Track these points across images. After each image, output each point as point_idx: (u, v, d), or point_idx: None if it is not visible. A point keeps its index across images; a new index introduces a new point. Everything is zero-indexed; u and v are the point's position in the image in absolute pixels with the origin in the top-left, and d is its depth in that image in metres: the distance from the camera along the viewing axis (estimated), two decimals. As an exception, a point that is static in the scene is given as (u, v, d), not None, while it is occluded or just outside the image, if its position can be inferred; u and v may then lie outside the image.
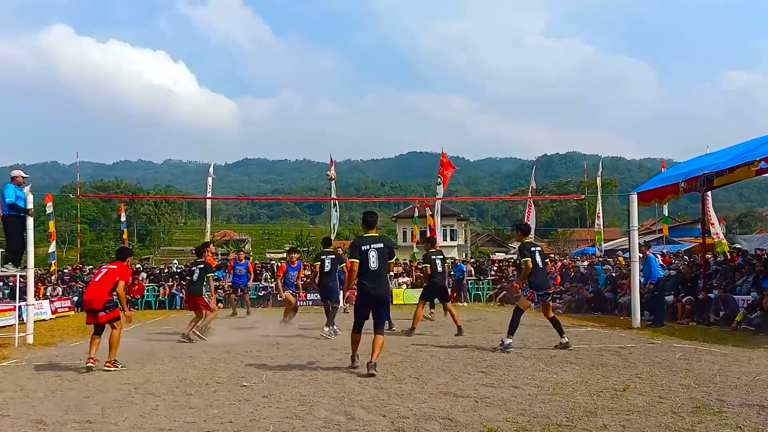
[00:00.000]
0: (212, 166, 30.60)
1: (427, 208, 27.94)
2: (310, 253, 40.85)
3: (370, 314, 6.95)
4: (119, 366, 7.33)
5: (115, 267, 7.79)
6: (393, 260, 7.31)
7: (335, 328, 10.70)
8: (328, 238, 12.62)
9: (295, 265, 12.02)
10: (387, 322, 11.70)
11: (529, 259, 8.59)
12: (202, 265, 10.70)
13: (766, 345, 8.73)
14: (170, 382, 6.40)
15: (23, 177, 10.60)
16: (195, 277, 10.62)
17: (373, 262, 6.79)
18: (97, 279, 7.79)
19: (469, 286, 22.35)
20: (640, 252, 12.45)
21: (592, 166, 43.27)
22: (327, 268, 10.93)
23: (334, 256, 11.12)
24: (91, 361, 7.26)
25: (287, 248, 13.36)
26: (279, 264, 14.32)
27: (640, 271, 12.38)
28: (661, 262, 14.12)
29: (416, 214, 28.29)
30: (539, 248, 9.10)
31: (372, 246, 6.86)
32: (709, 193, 17.96)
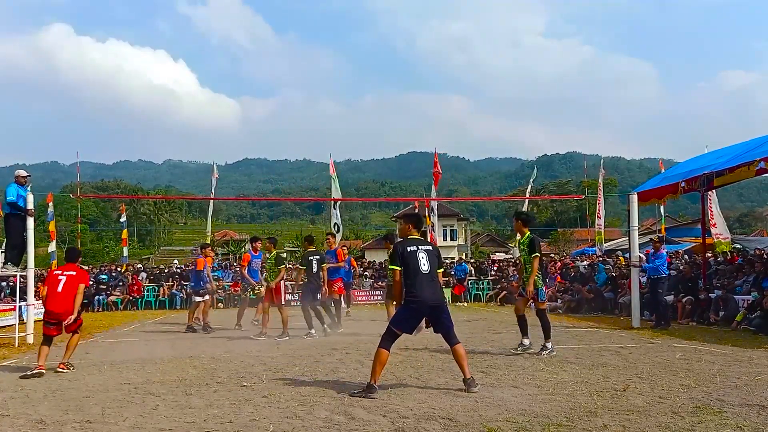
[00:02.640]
0: (215, 166, 30.65)
1: (426, 208, 27.94)
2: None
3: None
4: (71, 369, 7.32)
5: (74, 273, 7.53)
6: (441, 270, 6.20)
7: (325, 327, 10.79)
8: (311, 236, 12.68)
9: (257, 253, 12.12)
10: (338, 322, 11.58)
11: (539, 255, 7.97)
12: (318, 256, 11.20)
13: (766, 345, 8.73)
14: (170, 382, 6.40)
15: (24, 176, 10.60)
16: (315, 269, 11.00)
17: (424, 265, 5.86)
18: (59, 289, 7.38)
19: (469, 286, 22.35)
20: (652, 246, 12.43)
21: (592, 166, 43.29)
22: (314, 270, 10.93)
23: (319, 257, 11.16)
24: (42, 367, 7.10)
25: (250, 237, 12.83)
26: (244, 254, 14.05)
27: (644, 267, 12.37)
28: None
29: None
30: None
31: (420, 247, 5.99)
32: (713, 192, 17.97)
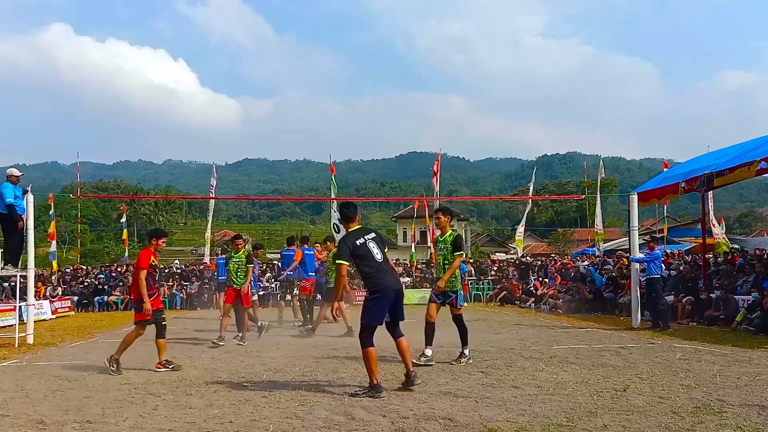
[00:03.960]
0: (214, 167, 30.67)
1: (425, 208, 28.03)
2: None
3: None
4: (170, 366, 7.25)
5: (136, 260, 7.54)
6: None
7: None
8: (292, 237, 12.79)
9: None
10: (311, 320, 11.53)
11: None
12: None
13: (766, 345, 8.73)
14: (170, 382, 6.40)
15: (17, 175, 10.58)
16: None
17: (377, 254, 5.82)
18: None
19: (470, 286, 22.35)
20: (647, 246, 12.42)
21: (592, 166, 43.30)
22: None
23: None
24: (159, 366, 7.21)
25: (234, 235, 12.59)
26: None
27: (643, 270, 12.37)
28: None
29: (414, 215, 28.34)
30: None
31: (366, 237, 5.89)
32: (710, 193, 17.98)
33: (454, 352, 8.42)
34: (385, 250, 6.09)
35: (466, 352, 7.51)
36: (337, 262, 5.79)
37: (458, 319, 7.51)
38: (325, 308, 11.53)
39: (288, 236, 13.39)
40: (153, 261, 7.35)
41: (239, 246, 10.14)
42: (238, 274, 9.86)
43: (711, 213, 20.00)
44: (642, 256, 12.24)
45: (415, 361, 6.79)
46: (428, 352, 7.43)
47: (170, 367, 7.24)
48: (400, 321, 5.93)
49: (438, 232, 7.84)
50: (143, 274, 7.16)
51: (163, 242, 7.60)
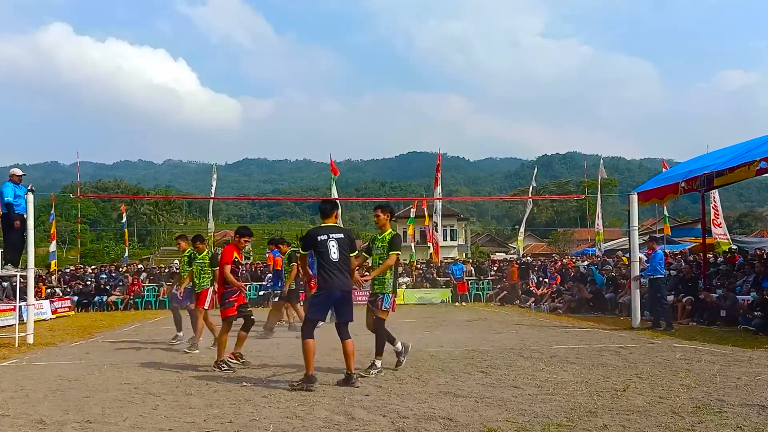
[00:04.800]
0: (214, 167, 30.69)
1: (423, 208, 28.01)
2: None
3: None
4: (240, 360, 7.26)
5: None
6: (354, 254, 6.43)
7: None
8: (274, 239, 12.88)
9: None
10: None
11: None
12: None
13: (766, 345, 8.73)
14: (170, 382, 6.40)
15: (19, 175, 10.59)
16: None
17: (334, 253, 6.04)
18: None
19: (469, 286, 22.36)
20: (648, 246, 12.41)
21: (592, 166, 43.29)
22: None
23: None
24: (232, 356, 7.28)
25: (194, 236, 12.31)
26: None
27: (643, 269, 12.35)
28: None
29: (411, 215, 28.29)
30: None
31: (331, 236, 6.11)
32: (716, 192, 17.96)
33: (454, 351, 8.43)
34: (353, 253, 6.31)
35: (378, 363, 6.69)
36: (299, 252, 6.15)
37: (378, 324, 6.75)
38: (289, 308, 11.70)
39: (271, 238, 13.50)
40: (236, 257, 7.35)
41: (200, 247, 9.59)
42: (202, 276, 9.33)
43: (720, 212, 19.95)
44: (643, 256, 12.25)
45: (362, 374, 6.45)
46: (398, 345, 6.96)
47: (241, 361, 7.22)
48: (347, 322, 6.14)
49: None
50: (228, 268, 7.22)
51: (245, 241, 7.56)
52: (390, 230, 6.94)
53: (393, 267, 6.72)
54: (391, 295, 6.72)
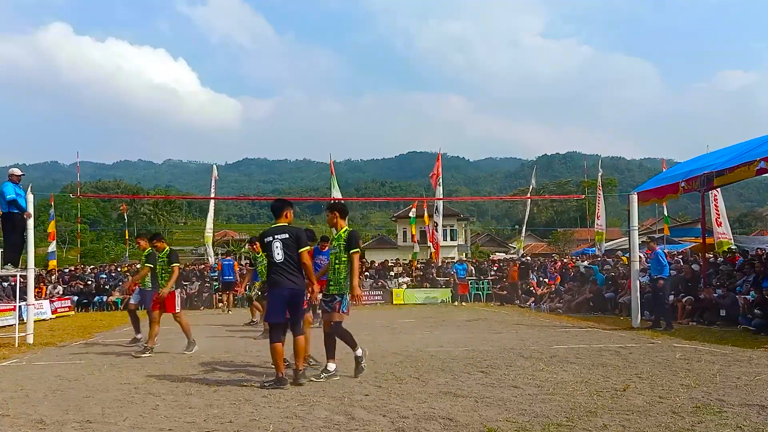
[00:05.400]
0: (214, 167, 30.68)
1: (424, 208, 27.99)
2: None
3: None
4: (310, 363, 7.11)
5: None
6: (305, 249, 6.30)
7: None
8: (326, 237, 12.73)
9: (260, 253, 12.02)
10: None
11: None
12: None
13: (766, 345, 8.73)
14: (170, 382, 6.40)
15: (18, 174, 10.58)
16: None
17: (278, 255, 6.11)
18: None
19: (470, 286, 22.36)
20: (647, 247, 12.41)
21: (592, 166, 43.29)
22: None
23: None
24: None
25: (152, 234, 11.92)
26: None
27: (645, 269, 12.34)
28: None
29: (413, 214, 28.32)
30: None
31: (276, 237, 6.17)
32: (719, 191, 17.94)
33: (453, 351, 8.43)
34: (304, 249, 6.24)
35: (331, 367, 6.42)
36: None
37: (336, 328, 6.46)
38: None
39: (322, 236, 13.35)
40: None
41: (159, 246, 9.07)
42: (163, 276, 8.82)
43: (722, 211, 19.93)
44: (642, 256, 12.24)
45: (314, 377, 6.33)
46: (358, 352, 6.57)
47: (310, 363, 7.13)
48: (299, 319, 6.28)
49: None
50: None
51: (311, 244, 7.56)
52: (345, 227, 6.72)
53: (349, 266, 6.45)
54: (348, 296, 6.47)
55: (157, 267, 8.98)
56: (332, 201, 6.82)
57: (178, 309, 8.92)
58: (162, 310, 8.83)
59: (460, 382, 6.13)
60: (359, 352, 6.56)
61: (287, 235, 6.20)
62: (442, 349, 8.82)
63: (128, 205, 59.74)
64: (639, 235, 13.37)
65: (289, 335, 6.23)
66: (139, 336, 9.92)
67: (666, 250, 20.34)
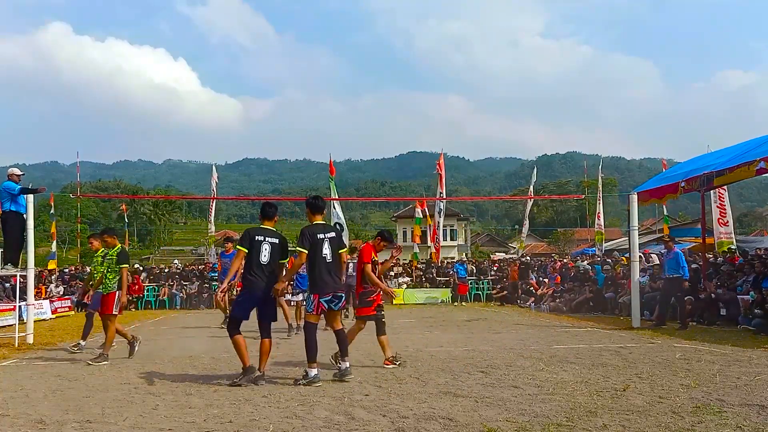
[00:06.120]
0: (214, 167, 30.67)
1: (425, 209, 27.94)
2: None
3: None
4: (397, 363, 7.09)
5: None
6: (286, 260, 6.53)
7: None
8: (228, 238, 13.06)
9: (230, 253, 11.90)
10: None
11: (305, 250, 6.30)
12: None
13: (766, 345, 8.73)
14: (170, 382, 6.39)
15: (18, 174, 10.59)
16: None
17: (264, 256, 6.21)
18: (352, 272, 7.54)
19: (470, 286, 22.37)
20: (665, 246, 12.39)
21: (592, 166, 43.30)
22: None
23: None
24: (388, 362, 7.13)
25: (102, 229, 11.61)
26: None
27: (645, 269, 12.32)
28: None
29: (419, 215, 28.32)
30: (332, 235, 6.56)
31: (267, 239, 6.30)
32: (725, 189, 17.91)
33: (453, 351, 8.43)
34: (285, 259, 6.44)
35: (345, 365, 6.38)
36: (238, 246, 6.35)
37: (306, 327, 6.41)
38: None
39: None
40: (374, 257, 7.27)
41: (109, 241, 8.44)
42: (108, 275, 8.21)
43: (728, 211, 19.91)
44: (654, 256, 12.20)
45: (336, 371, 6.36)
46: (343, 365, 6.40)
47: (397, 363, 7.08)
48: (269, 322, 6.34)
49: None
50: (368, 267, 7.11)
51: (384, 245, 7.41)
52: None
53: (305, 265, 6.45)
54: (313, 296, 6.31)
55: (104, 265, 8.31)
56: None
57: (115, 311, 8.18)
58: (110, 313, 8.15)
59: (460, 382, 6.13)
60: (345, 365, 6.36)
61: (277, 241, 6.34)
62: (442, 349, 8.82)
63: (128, 205, 59.63)
64: (640, 234, 13.39)
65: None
66: (83, 343, 9.28)
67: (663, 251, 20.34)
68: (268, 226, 6.45)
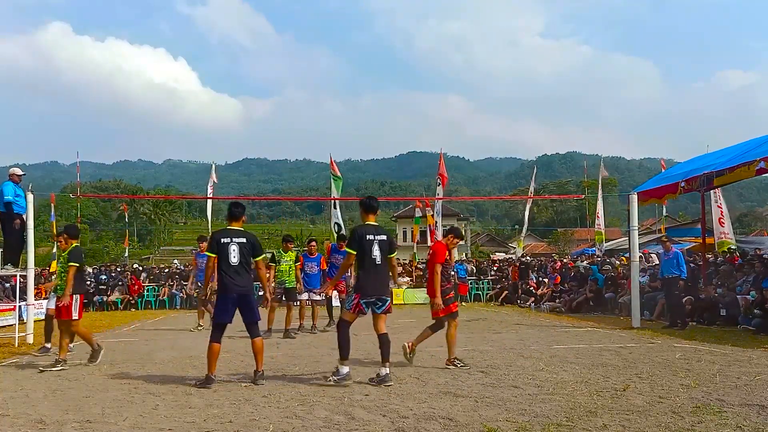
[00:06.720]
0: (213, 167, 30.61)
1: (427, 208, 27.91)
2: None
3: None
4: (458, 365, 7.01)
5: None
6: (261, 257, 6.51)
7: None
8: (289, 236, 13.01)
9: (203, 252, 11.51)
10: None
11: (354, 252, 6.28)
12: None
13: (766, 345, 8.73)
14: (170, 382, 6.40)
15: (19, 174, 10.58)
16: None
17: (234, 258, 6.22)
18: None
19: (470, 286, 22.36)
20: (663, 246, 12.41)
21: (592, 166, 43.29)
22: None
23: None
24: (410, 345, 7.22)
25: (197, 237, 11.73)
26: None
27: (645, 269, 12.33)
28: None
29: (418, 215, 28.27)
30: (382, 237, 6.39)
31: (233, 239, 6.29)
32: (719, 191, 17.92)
33: (452, 352, 8.42)
34: (260, 258, 6.49)
35: (385, 371, 6.13)
36: (208, 253, 6.38)
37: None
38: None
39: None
40: (447, 256, 7.22)
41: (60, 242, 7.89)
42: (62, 276, 7.61)
43: (725, 211, 19.90)
44: (654, 256, 12.21)
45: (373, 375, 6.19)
46: (383, 371, 6.14)
47: (459, 365, 7.01)
48: (252, 321, 6.37)
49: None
50: (439, 267, 7.02)
51: (457, 241, 7.43)
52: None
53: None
54: (354, 296, 6.26)
55: (59, 266, 7.77)
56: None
57: (75, 316, 7.53)
58: (58, 316, 7.64)
59: (460, 382, 6.13)
60: (385, 371, 6.11)
61: (245, 240, 6.34)
62: (442, 349, 8.80)
63: (128, 205, 59.64)
64: (640, 234, 13.39)
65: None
66: (48, 345, 8.97)
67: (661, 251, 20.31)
68: (235, 226, 6.44)
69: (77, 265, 7.53)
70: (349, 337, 6.19)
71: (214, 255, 6.26)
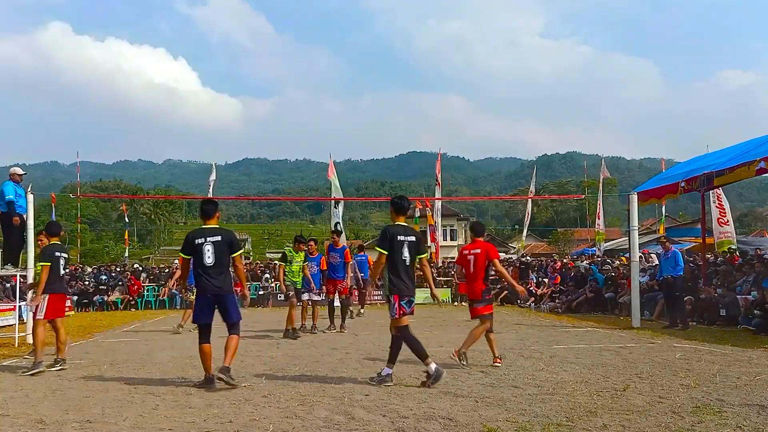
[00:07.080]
0: (214, 167, 30.63)
1: (427, 208, 27.96)
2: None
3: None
4: (462, 361, 7.06)
5: (479, 251, 7.49)
6: (238, 254, 6.39)
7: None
8: (301, 236, 12.97)
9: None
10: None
11: (385, 252, 6.22)
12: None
13: (766, 345, 8.73)
14: (170, 382, 6.40)
15: (20, 174, 10.57)
16: None
17: (208, 258, 6.09)
18: (472, 270, 7.45)
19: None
20: (662, 246, 12.41)
21: (592, 166, 43.31)
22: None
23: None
24: (498, 360, 7.13)
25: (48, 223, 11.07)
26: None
27: (645, 269, 12.33)
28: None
29: (417, 214, 28.30)
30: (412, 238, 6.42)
31: (208, 239, 6.15)
32: (720, 190, 17.93)
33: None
34: (237, 254, 6.36)
35: (432, 366, 6.08)
36: (181, 254, 6.35)
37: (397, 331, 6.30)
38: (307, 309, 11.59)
39: (359, 244, 13.14)
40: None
41: (41, 241, 7.83)
42: (35, 278, 7.52)
43: (728, 210, 19.89)
44: (654, 256, 12.22)
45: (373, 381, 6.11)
46: (430, 367, 6.08)
47: (463, 362, 7.08)
48: (233, 322, 6.27)
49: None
50: (498, 264, 7.15)
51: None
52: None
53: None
54: (393, 298, 6.19)
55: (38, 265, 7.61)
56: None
57: (39, 316, 7.32)
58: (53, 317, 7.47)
59: (460, 382, 6.13)
60: (432, 366, 6.00)
61: (219, 238, 6.21)
62: (442, 349, 8.82)
63: (128, 205, 59.59)
64: (641, 234, 13.40)
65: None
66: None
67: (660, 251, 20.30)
68: (209, 224, 6.32)
69: (47, 264, 7.25)
70: (416, 338, 6.12)
71: (187, 257, 6.22)
